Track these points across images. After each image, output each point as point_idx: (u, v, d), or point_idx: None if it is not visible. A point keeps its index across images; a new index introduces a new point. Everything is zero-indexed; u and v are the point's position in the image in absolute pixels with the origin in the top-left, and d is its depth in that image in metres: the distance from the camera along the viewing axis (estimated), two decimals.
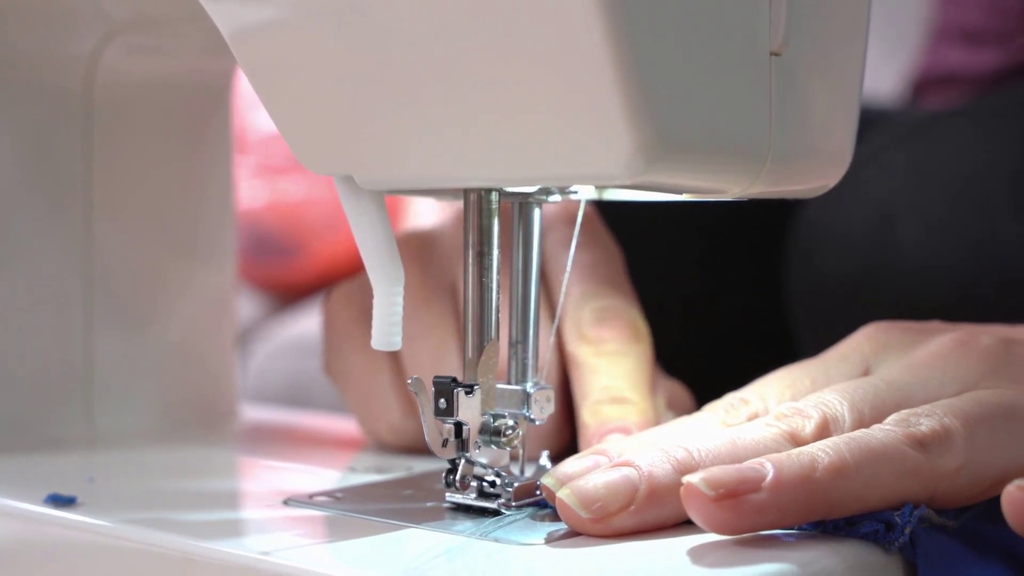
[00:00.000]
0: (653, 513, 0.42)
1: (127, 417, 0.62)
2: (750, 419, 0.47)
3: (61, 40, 0.59)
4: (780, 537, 0.42)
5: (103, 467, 0.56)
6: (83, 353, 0.61)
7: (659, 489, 0.42)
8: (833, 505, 0.41)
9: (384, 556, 0.42)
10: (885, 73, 1.08)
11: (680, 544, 0.41)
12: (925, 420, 0.43)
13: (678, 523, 0.43)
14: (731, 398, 0.49)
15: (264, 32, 0.45)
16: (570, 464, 0.45)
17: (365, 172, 0.44)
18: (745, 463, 0.41)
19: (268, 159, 1.43)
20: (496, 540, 0.43)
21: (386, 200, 0.46)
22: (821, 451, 0.41)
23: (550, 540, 0.43)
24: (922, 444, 0.42)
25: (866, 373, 0.48)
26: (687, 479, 0.40)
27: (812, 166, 0.45)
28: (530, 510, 0.46)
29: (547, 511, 0.46)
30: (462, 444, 0.46)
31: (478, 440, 0.47)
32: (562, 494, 0.43)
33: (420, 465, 0.54)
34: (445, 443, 0.46)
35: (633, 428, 0.52)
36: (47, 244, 0.61)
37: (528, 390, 0.48)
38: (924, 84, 1.00)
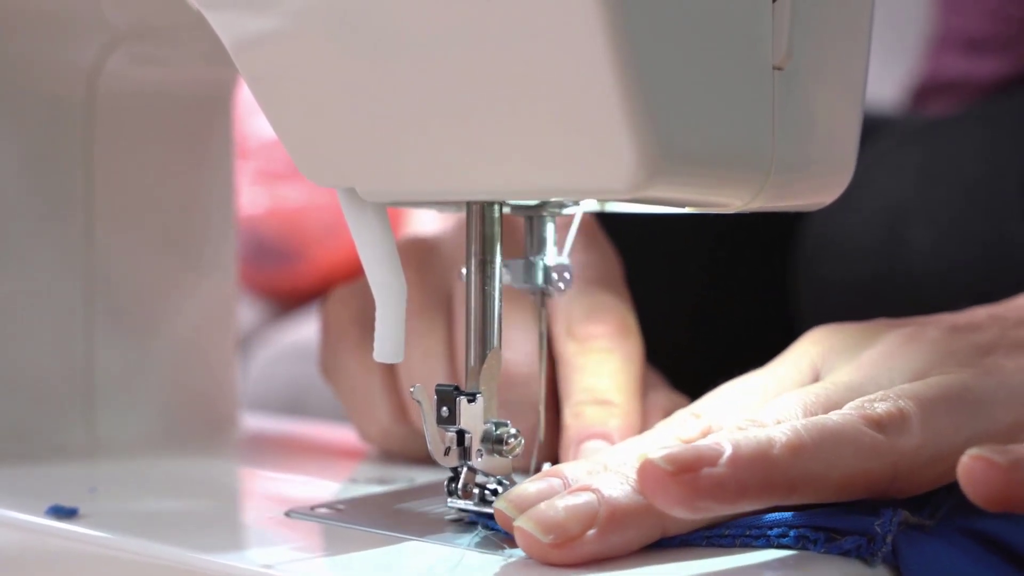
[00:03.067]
0: (616, 537, 0.41)
1: (128, 425, 0.62)
2: (704, 434, 0.46)
3: (63, 49, 0.59)
4: (760, 565, 0.41)
5: (104, 477, 0.56)
6: (84, 361, 0.61)
7: (620, 511, 0.41)
8: (794, 484, 0.40)
9: (387, 569, 0.42)
10: (886, 80, 1.08)
11: (667, 569, 0.41)
12: (880, 404, 0.42)
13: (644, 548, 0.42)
14: (683, 413, 0.48)
15: (266, 43, 0.45)
16: (524, 487, 0.43)
17: (368, 184, 0.44)
18: (701, 443, 0.40)
19: (269, 165, 1.43)
20: (498, 552, 0.43)
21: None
22: (778, 431, 0.41)
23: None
24: (879, 425, 0.42)
25: (816, 378, 0.48)
26: (645, 456, 0.39)
27: (815, 180, 0.45)
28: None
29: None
30: (464, 452, 0.46)
31: (480, 448, 0.46)
32: (520, 523, 0.41)
33: (422, 476, 0.54)
34: (447, 451, 0.46)
35: (614, 433, 0.51)
36: (48, 252, 0.61)
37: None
38: (925, 91, 1.00)
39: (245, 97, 0.67)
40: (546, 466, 0.50)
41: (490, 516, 0.45)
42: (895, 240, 0.75)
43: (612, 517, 0.41)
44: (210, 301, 0.65)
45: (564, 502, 0.41)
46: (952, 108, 0.95)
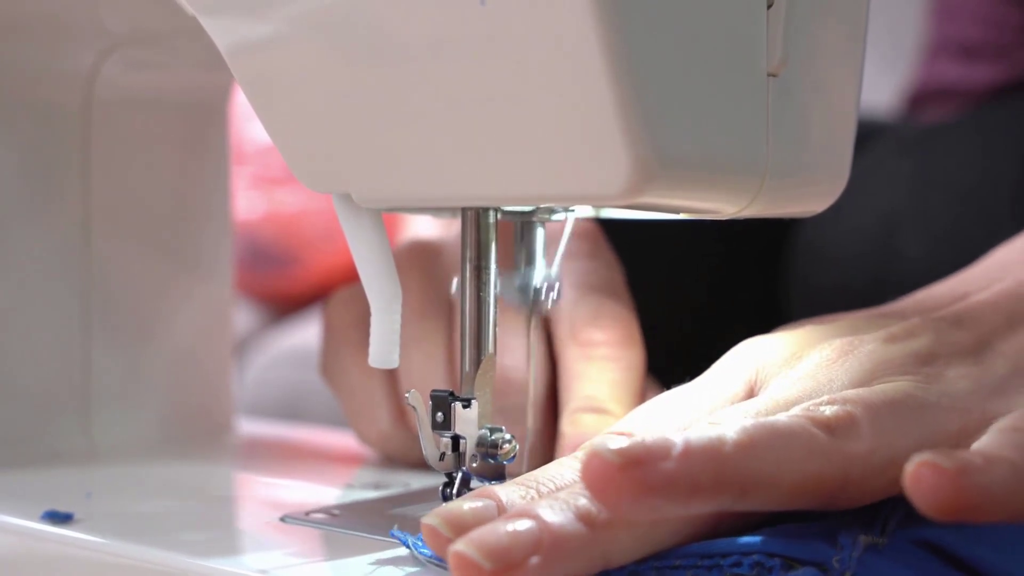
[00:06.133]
0: (560, 567, 0.38)
1: (125, 431, 0.62)
2: None
3: (60, 55, 0.59)
4: None
5: (101, 482, 0.56)
6: (80, 367, 0.61)
7: (564, 539, 0.38)
8: (745, 484, 0.38)
9: (381, 574, 0.42)
10: (882, 86, 1.08)
11: None
12: (827, 408, 0.41)
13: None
14: (613, 432, 0.45)
15: (261, 48, 0.45)
16: (458, 505, 0.40)
17: (363, 190, 0.44)
18: (649, 438, 0.38)
19: (265, 170, 1.43)
20: None
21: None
22: (729, 430, 0.39)
23: None
24: (828, 427, 0.40)
25: (752, 392, 0.46)
26: (593, 447, 0.37)
27: (809, 187, 0.45)
28: None
29: None
30: (459, 458, 0.46)
31: (475, 454, 0.47)
32: (460, 547, 0.37)
33: (417, 481, 0.55)
34: (442, 456, 0.46)
35: None
36: (45, 258, 0.61)
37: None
38: (921, 98, 1.00)
39: (241, 102, 0.68)
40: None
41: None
42: (888, 248, 0.75)
43: (556, 545, 0.38)
44: (206, 306, 0.66)
45: (507, 527, 0.38)
46: (947, 115, 0.95)
